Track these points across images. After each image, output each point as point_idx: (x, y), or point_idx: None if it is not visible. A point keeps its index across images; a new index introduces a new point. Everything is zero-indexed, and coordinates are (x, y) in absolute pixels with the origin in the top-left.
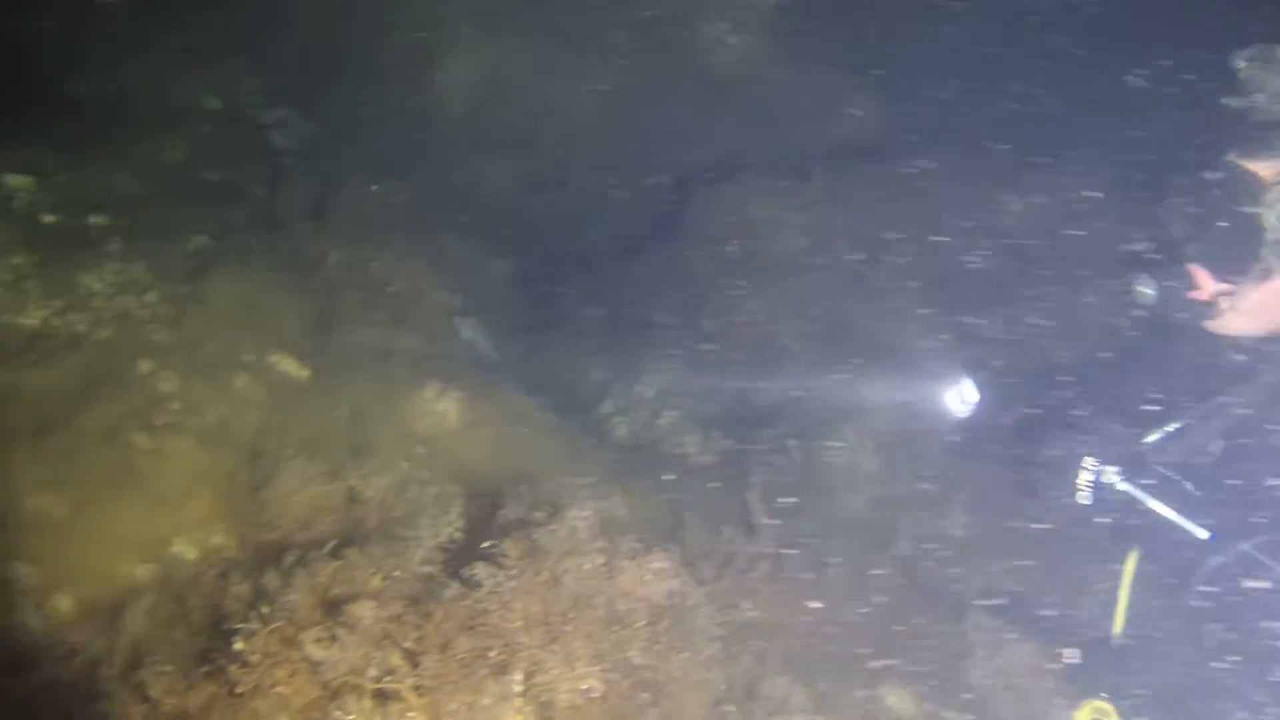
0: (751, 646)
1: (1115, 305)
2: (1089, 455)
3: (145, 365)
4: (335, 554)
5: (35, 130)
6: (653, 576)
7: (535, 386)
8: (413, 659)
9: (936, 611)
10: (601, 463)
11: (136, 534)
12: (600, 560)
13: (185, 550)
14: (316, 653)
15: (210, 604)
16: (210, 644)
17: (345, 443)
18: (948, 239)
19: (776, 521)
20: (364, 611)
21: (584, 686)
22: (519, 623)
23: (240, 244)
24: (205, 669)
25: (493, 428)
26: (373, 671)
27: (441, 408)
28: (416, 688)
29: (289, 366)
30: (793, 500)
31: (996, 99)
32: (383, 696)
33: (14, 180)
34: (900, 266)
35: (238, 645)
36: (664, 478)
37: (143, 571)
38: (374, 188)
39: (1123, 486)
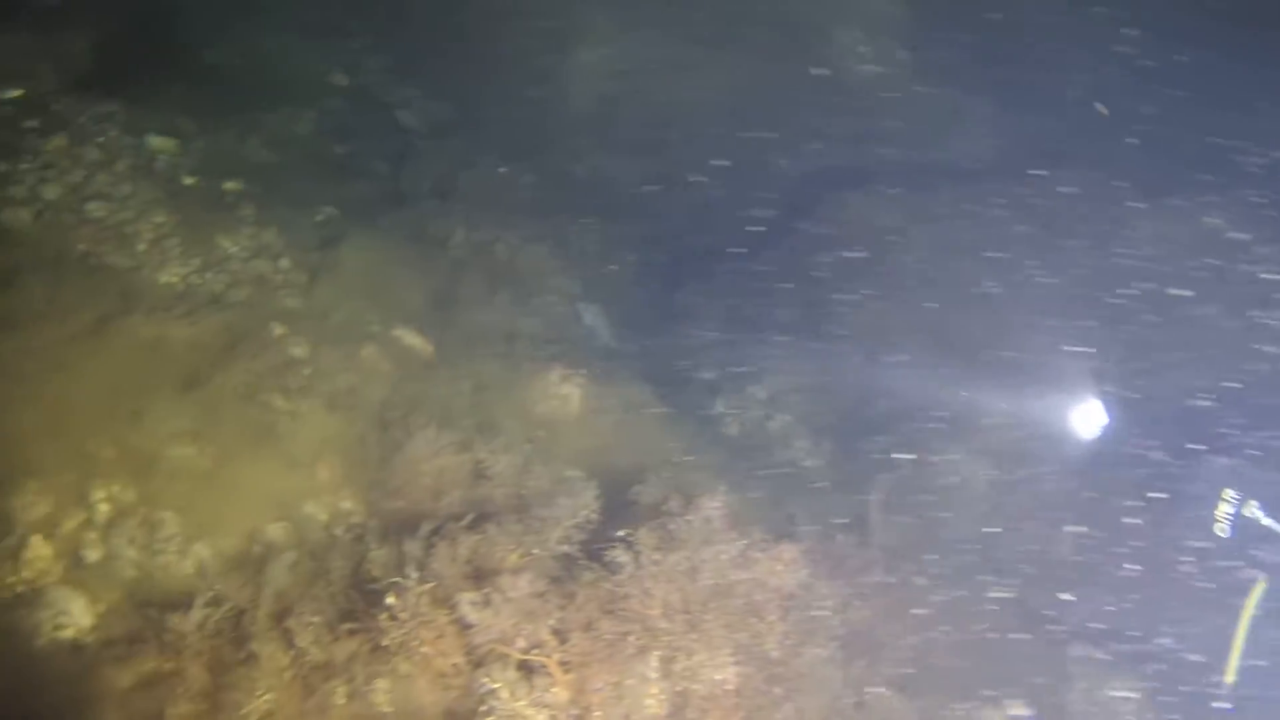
0: (863, 650)
1: (1257, 334)
2: (1229, 488)
3: (278, 329)
4: (474, 527)
5: (174, 95)
6: (784, 567)
7: (651, 378)
8: (560, 635)
9: (1040, 636)
10: (715, 458)
11: (271, 492)
12: (735, 551)
13: (316, 511)
14: (471, 614)
15: (350, 565)
16: (352, 603)
17: (469, 420)
18: (1076, 259)
19: (889, 531)
20: (519, 583)
21: (719, 677)
22: (658, 609)
23: (367, 218)
24: (349, 625)
25: (613, 416)
26: (521, 642)
27: (565, 392)
28: (563, 663)
29: (413, 340)
30: (904, 511)
31: (1129, 121)
32: (528, 669)
33: (157, 142)
34: (1028, 284)
35: (389, 599)
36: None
37: (275, 529)
38: (502, 170)
39: (1266, 521)
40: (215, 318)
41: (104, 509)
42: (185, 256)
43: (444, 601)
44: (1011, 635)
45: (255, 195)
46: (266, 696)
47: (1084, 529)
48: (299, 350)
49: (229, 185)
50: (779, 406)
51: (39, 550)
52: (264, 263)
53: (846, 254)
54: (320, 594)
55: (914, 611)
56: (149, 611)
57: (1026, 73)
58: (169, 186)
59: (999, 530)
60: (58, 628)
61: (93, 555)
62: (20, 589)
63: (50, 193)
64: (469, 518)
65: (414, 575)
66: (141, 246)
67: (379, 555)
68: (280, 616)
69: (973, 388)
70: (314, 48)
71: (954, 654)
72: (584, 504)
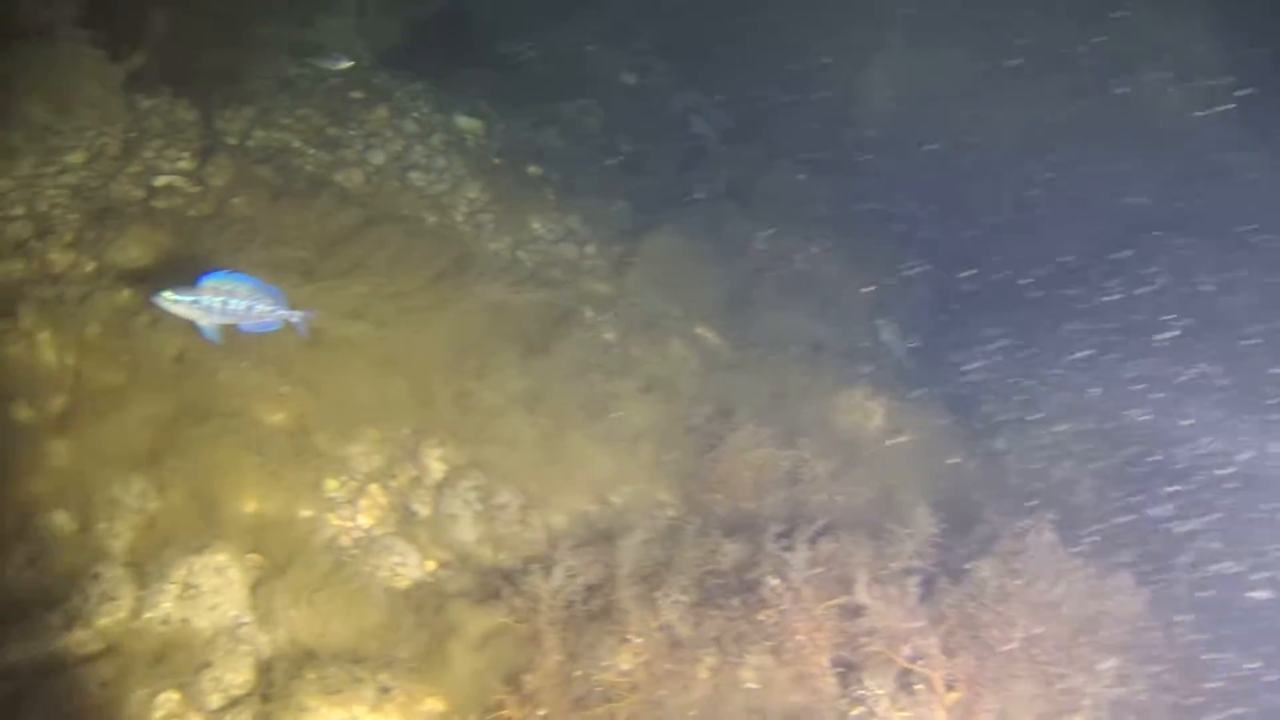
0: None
1: None
2: None
3: (589, 312)
4: (827, 531)
5: (473, 82)
6: (1129, 600)
7: (941, 403)
8: (947, 650)
9: None
10: (1009, 490)
11: (598, 470)
12: (1084, 582)
13: (634, 495)
14: (864, 598)
15: (701, 552)
16: (707, 588)
17: (775, 423)
18: None
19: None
20: (893, 593)
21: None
22: (1020, 638)
23: (662, 214)
24: (712, 611)
25: (913, 436)
26: (906, 650)
27: (869, 408)
28: (947, 680)
29: (714, 339)
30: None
31: None
32: (906, 680)
33: (465, 122)
34: None
35: (772, 581)
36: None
37: (605, 508)
38: (800, 177)
39: None
40: (539, 292)
41: (437, 467)
42: (498, 232)
43: (825, 596)
44: None
45: (555, 182)
46: (629, 658)
47: None
48: (610, 334)
49: (532, 170)
50: (1065, 448)
51: (376, 499)
52: (571, 247)
53: (1160, 298)
54: (676, 574)
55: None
56: (489, 572)
57: None
58: (479, 164)
59: None
60: (396, 575)
61: (424, 511)
62: (357, 535)
63: (376, 159)
64: (821, 522)
65: (798, 565)
66: (459, 217)
67: (733, 547)
68: (640, 591)
69: None
70: (603, 47)
71: None
72: (923, 523)
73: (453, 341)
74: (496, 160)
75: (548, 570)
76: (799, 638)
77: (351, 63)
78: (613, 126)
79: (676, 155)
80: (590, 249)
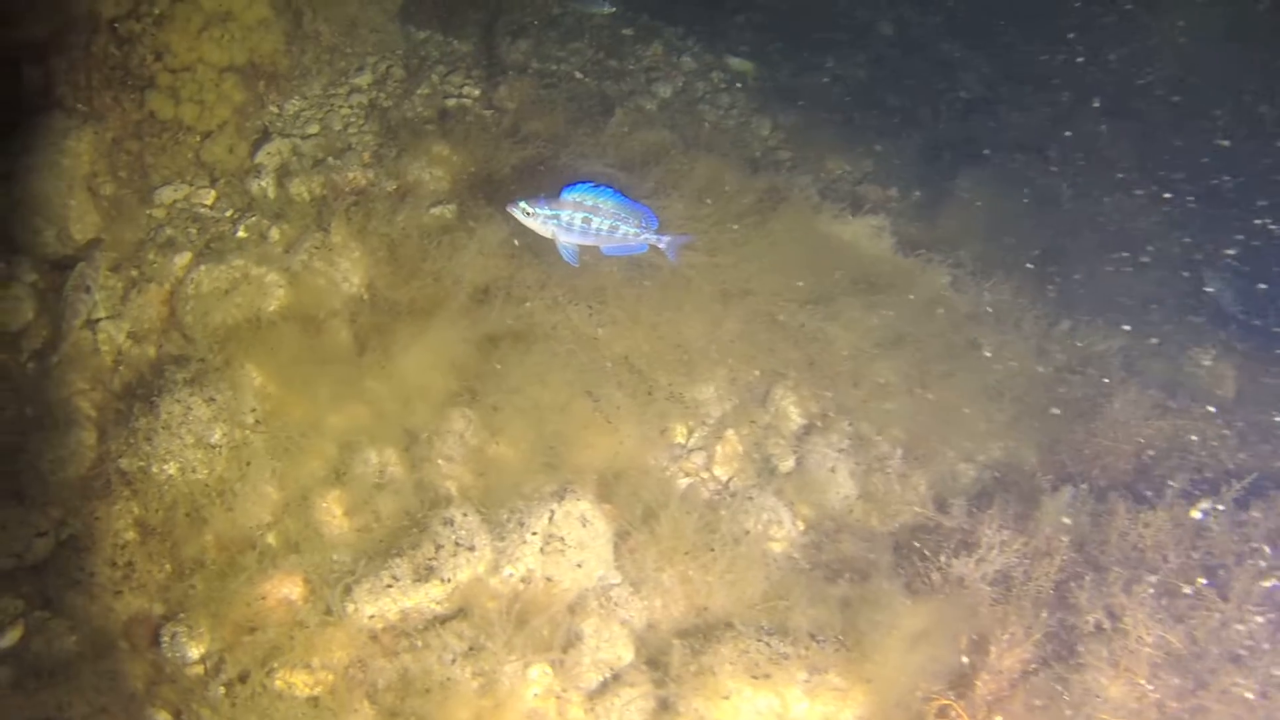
0: None
1: None
2: None
3: (915, 253)
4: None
5: (732, 29)
6: None
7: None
8: None
9: None
10: None
11: (959, 424)
12: None
13: (1003, 454)
14: None
15: (1124, 524)
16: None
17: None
18: None
19: None
20: None
21: None
22: None
23: (953, 163)
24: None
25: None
26: None
27: (1219, 369)
28: None
29: (1051, 292)
30: None
31: None
32: None
33: (737, 63)
34: None
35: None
36: None
37: (965, 466)
38: (1102, 128)
39: None
40: (859, 224)
41: (794, 413)
42: (798, 169)
43: None
44: None
45: (840, 125)
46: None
47: None
48: (943, 279)
49: (816, 113)
50: None
51: (733, 447)
52: (874, 189)
53: None
54: (1117, 551)
55: None
56: (881, 535)
57: None
58: (763, 103)
59: None
60: (770, 537)
61: (785, 463)
62: (715, 487)
63: (662, 91)
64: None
65: None
66: (756, 153)
67: (1157, 517)
68: (1090, 573)
69: None
70: None
71: None
72: None
73: (790, 274)
74: (778, 101)
75: (967, 544)
76: None
77: (614, 9)
78: (879, 76)
79: (952, 106)
80: (893, 192)
